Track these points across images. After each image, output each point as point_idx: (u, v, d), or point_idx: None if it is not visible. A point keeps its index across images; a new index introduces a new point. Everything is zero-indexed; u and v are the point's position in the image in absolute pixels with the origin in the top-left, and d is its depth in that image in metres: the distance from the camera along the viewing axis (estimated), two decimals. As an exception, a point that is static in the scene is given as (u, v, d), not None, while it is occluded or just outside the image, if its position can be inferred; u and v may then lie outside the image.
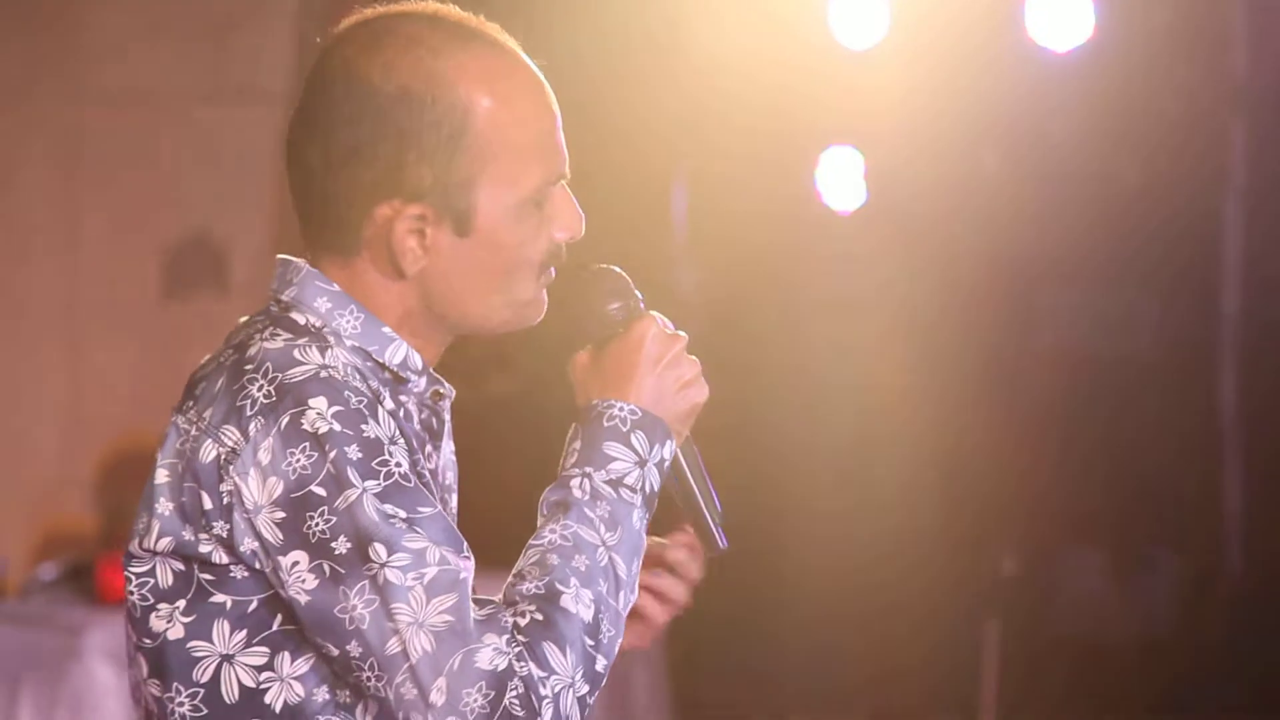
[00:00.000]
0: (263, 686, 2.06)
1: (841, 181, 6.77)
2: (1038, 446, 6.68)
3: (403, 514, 1.99)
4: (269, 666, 2.05)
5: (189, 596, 2.07)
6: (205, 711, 2.07)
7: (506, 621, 1.97)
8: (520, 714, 1.95)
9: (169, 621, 2.08)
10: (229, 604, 2.05)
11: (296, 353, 2.05)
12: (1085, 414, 6.67)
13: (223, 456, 2.03)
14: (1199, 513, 6.46)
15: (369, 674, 1.98)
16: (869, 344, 6.81)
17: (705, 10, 6.70)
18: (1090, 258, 6.57)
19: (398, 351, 2.16)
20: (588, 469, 2.09)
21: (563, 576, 2.01)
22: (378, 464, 2.00)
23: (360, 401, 2.03)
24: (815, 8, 6.57)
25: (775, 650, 6.96)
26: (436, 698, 1.94)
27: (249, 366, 2.05)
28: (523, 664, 1.96)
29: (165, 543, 2.07)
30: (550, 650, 1.97)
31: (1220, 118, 6.38)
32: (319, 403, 2.01)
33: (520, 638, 1.97)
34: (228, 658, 2.06)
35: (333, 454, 1.99)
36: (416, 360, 2.17)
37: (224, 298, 6.64)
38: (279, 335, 2.08)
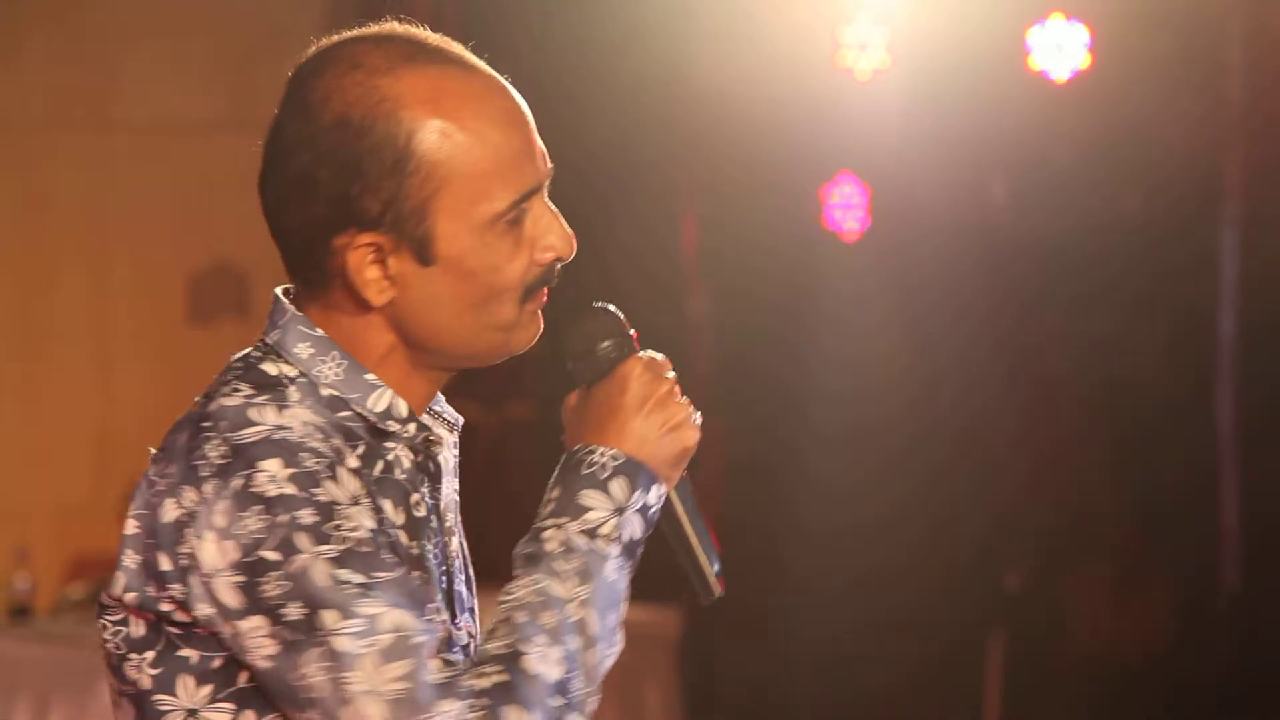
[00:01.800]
0: None
1: (847, 209, 6.87)
2: (1041, 466, 6.74)
3: (358, 579, 1.90)
4: None
5: (158, 649, 2.00)
6: None
7: (466, 686, 1.88)
8: None
9: (139, 672, 2.01)
10: (194, 658, 1.98)
11: (252, 412, 1.96)
12: (1087, 434, 6.72)
13: (181, 518, 1.95)
14: (1198, 531, 6.51)
15: None
16: (875, 368, 6.87)
17: (713, 41, 6.77)
18: (1090, 283, 6.63)
19: (380, 399, 2.05)
20: (562, 519, 1.99)
21: (528, 635, 1.92)
22: (331, 528, 1.91)
23: (320, 463, 1.94)
24: (820, 38, 6.67)
25: (783, 665, 7.00)
26: None
27: (206, 424, 1.97)
28: None
29: (131, 596, 2.00)
30: (514, 713, 1.88)
31: (1217, 146, 6.45)
32: (271, 465, 1.92)
33: (483, 701, 1.88)
34: (193, 713, 1.99)
35: (284, 518, 1.91)
36: (401, 408, 2.06)
37: (246, 322, 6.77)
38: (239, 391, 1.99)
